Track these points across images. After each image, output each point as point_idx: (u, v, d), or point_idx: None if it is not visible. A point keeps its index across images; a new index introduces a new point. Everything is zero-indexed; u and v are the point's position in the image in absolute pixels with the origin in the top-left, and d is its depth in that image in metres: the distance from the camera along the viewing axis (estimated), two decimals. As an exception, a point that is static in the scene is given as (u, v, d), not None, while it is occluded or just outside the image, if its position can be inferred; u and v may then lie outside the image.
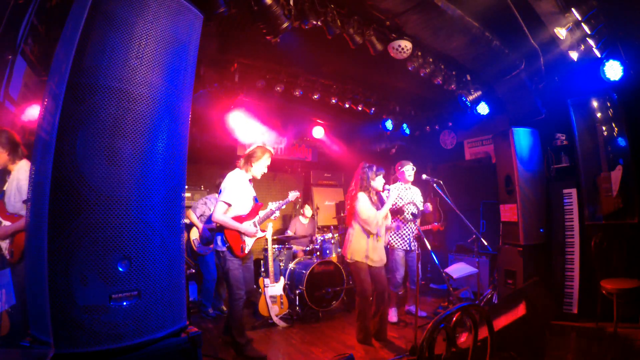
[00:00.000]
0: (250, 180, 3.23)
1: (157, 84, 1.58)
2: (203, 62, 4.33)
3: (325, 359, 3.17)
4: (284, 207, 3.53)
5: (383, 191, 3.61)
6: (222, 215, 2.98)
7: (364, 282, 3.37)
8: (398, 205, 4.09)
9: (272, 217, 3.45)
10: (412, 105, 6.28)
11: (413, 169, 4.24)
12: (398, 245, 4.14)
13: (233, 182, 3.06)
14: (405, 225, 4.16)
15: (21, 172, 2.46)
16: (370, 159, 4.69)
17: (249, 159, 3.16)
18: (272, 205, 3.52)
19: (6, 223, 2.47)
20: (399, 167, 4.29)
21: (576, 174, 3.95)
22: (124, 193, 1.44)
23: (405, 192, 4.24)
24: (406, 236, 4.15)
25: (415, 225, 4.02)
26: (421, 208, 4.20)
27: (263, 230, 3.33)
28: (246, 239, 3.12)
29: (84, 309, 1.32)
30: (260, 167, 3.20)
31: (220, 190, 3.07)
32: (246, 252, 3.11)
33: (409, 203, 4.12)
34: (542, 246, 4.14)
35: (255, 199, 3.26)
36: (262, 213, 3.33)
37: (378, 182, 3.56)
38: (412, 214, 4.12)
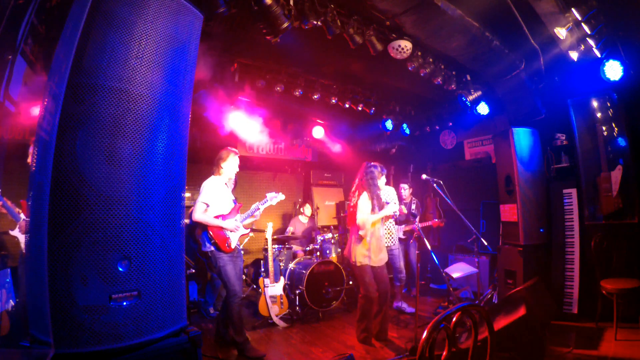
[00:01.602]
0: (226, 183, 3.37)
1: (157, 84, 1.58)
2: (203, 62, 4.33)
3: (326, 359, 3.17)
4: (265, 206, 3.47)
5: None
6: (201, 214, 3.13)
7: (369, 285, 3.36)
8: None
9: (254, 215, 3.46)
10: (412, 105, 6.28)
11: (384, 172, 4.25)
12: None
13: (208, 186, 3.23)
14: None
15: None
16: (370, 159, 4.67)
17: (218, 162, 3.33)
18: (256, 205, 3.51)
19: None
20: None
21: (576, 174, 3.95)
22: (123, 193, 1.44)
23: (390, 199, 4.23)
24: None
25: (415, 224, 4.01)
26: (402, 210, 4.22)
27: (247, 227, 3.43)
28: (230, 235, 3.22)
29: (84, 309, 1.32)
30: (230, 167, 3.33)
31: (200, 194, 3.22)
32: (232, 247, 3.22)
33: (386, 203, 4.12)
34: (542, 246, 4.14)
35: (234, 201, 3.41)
36: (243, 212, 3.43)
37: (381, 182, 3.56)
38: (413, 214, 4.11)
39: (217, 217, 3.19)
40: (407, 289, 5.33)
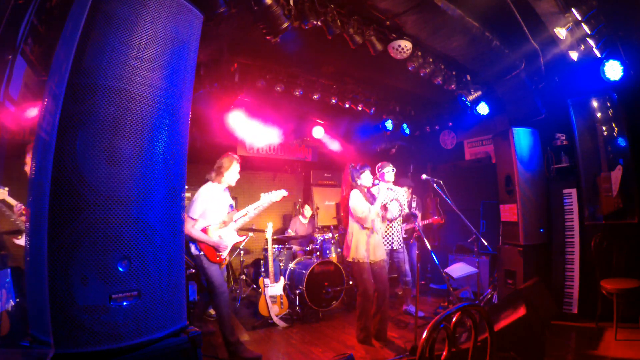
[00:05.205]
0: (226, 189, 3.27)
1: (157, 84, 1.58)
2: (203, 62, 4.33)
3: (325, 359, 3.17)
4: (261, 208, 3.40)
5: (373, 186, 3.63)
6: (190, 228, 2.99)
7: (366, 282, 3.37)
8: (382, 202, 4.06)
9: (248, 218, 3.39)
10: (412, 105, 6.28)
11: (393, 170, 4.23)
12: None
13: (201, 197, 3.09)
14: (389, 223, 4.13)
15: None
16: (370, 158, 4.69)
17: (219, 170, 3.20)
18: (248, 208, 3.43)
19: None
20: (379, 169, 4.25)
21: (576, 174, 3.95)
22: (123, 193, 1.44)
23: (387, 191, 4.20)
24: (389, 236, 4.12)
25: (415, 224, 4.01)
26: (405, 210, 4.18)
27: (241, 235, 3.33)
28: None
29: (84, 309, 1.32)
30: (232, 175, 3.24)
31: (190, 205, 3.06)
32: (223, 258, 3.15)
33: (392, 200, 4.10)
34: (542, 246, 4.14)
35: (231, 207, 3.29)
36: (236, 216, 3.31)
37: (365, 178, 3.58)
38: (413, 214, 4.10)
39: (204, 229, 3.07)
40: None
